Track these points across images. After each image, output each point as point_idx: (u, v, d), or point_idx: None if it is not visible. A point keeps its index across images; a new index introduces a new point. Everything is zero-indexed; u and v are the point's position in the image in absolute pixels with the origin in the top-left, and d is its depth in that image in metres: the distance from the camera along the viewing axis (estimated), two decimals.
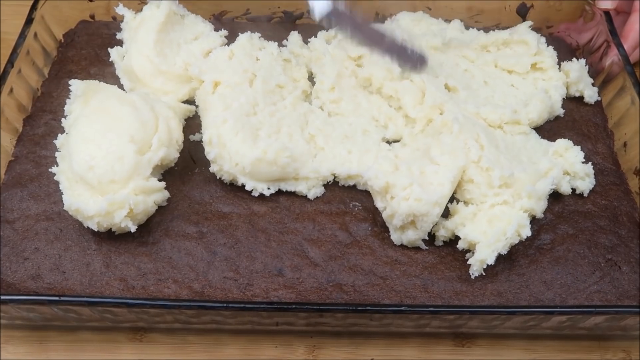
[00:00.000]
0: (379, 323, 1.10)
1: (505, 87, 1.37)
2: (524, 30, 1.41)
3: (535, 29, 1.47)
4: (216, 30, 1.42)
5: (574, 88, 1.38)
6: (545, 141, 1.29)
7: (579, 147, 1.27)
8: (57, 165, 1.17)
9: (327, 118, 1.31)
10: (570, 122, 1.37)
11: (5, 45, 1.55)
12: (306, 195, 1.23)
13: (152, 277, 1.13)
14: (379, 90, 1.33)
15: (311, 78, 1.38)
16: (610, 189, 1.26)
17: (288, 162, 1.19)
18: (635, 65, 1.45)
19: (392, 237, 1.17)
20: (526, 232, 1.11)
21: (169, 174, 1.25)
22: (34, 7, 1.40)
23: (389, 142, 1.30)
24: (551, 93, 1.35)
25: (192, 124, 1.33)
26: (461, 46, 1.41)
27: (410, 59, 1.28)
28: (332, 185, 1.25)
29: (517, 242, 1.12)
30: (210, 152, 1.20)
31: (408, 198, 1.11)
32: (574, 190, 1.25)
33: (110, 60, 1.38)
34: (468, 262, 1.13)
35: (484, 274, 1.13)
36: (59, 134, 1.21)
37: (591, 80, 1.40)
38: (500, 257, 1.12)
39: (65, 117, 1.25)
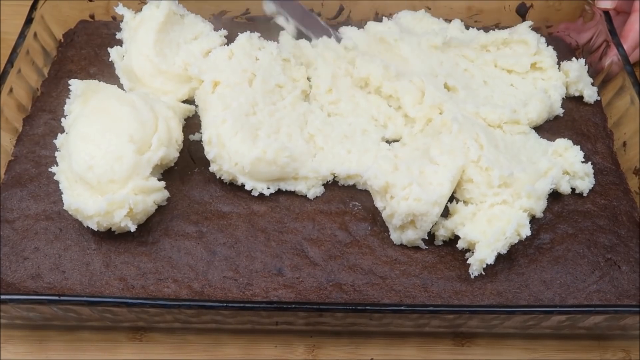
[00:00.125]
0: (378, 322, 1.10)
1: (504, 87, 1.37)
2: (523, 30, 1.41)
3: (535, 28, 1.47)
4: (216, 30, 1.42)
5: (573, 88, 1.38)
6: (544, 141, 1.29)
7: (579, 146, 1.27)
8: (57, 165, 1.17)
9: (327, 118, 1.31)
10: (570, 121, 1.37)
11: (5, 45, 1.56)
12: (306, 195, 1.23)
13: (152, 276, 1.13)
14: (377, 90, 1.33)
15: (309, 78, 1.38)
16: (610, 188, 1.26)
17: (287, 162, 1.19)
18: (634, 65, 1.45)
19: (391, 237, 1.17)
20: (526, 231, 1.11)
21: (168, 174, 1.25)
22: (33, 7, 1.40)
23: (388, 142, 1.30)
24: (551, 93, 1.35)
25: (191, 124, 1.33)
26: (461, 46, 1.41)
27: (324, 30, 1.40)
28: (332, 185, 1.25)
29: (516, 241, 1.12)
30: (209, 152, 1.20)
31: (407, 198, 1.11)
32: (573, 189, 1.25)
33: (109, 60, 1.38)
34: (467, 262, 1.13)
35: (483, 273, 1.13)
36: (59, 134, 1.21)
37: (591, 80, 1.40)
38: (499, 257, 1.12)
39: (64, 116, 1.25)
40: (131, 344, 1.16)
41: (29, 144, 1.30)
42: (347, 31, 1.45)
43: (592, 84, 1.40)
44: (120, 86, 1.32)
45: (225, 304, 1.01)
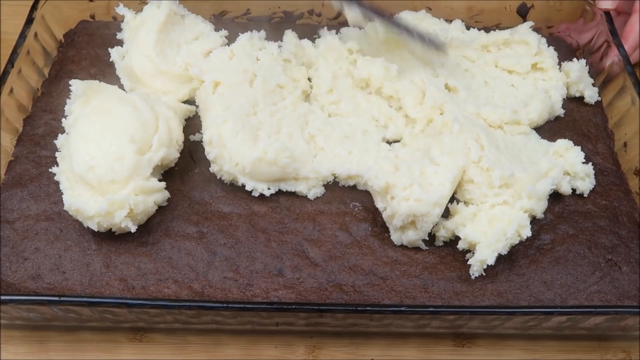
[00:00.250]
0: (379, 323, 1.10)
1: (505, 87, 1.37)
2: (524, 30, 1.41)
3: (536, 29, 1.47)
4: (216, 30, 1.42)
5: (574, 88, 1.38)
6: (545, 141, 1.29)
7: (579, 147, 1.26)
8: (57, 165, 1.17)
9: (327, 118, 1.31)
10: (571, 122, 1.37)
11: (5, 45, 1.56)
12: (306, 196, 1.23)
13: (152, 277, 1.13)
14: (378, 91, 1.33)
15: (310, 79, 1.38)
16: (611, 189, 1.26)
17: (288, 162, 1.19)
18: (635, 66, 1.45)
19: (392, 238, 1.17)
20: (526, 232, 1.11)
21: (169, 174, 1.25)
22: (34, 7, 1.40)
23: (389, 142, 1.30)
24: (551, 93, 1.35)
25: (192, 124, 1.33)
26: (462, 46, 1.41)
27: (433, 42, 1.30)
28: (332, 186, 1.25)
29: (517, 242, 1.12)
30: (210, 152, 1.20)
31: (408, 198, 1.11)
32: (574, 190, 1.24)
33: (110, 60, 1.38)
34: (468, 263, 1.13)
35: (484, 274, 1.13)
36: (59, 134, 1.21)
37: (591, 81, 1.40)
38: (500, 258, 1.12)
39: (65, 117, 1.25)
40: (131, 345, 1.16)
41: (30, 145, 1.30)
42: (348, 32, 1.45)
43: (593, 85, 1.40)
44: (121, 86, 1.33)
45: (225, 305, 1.01)
